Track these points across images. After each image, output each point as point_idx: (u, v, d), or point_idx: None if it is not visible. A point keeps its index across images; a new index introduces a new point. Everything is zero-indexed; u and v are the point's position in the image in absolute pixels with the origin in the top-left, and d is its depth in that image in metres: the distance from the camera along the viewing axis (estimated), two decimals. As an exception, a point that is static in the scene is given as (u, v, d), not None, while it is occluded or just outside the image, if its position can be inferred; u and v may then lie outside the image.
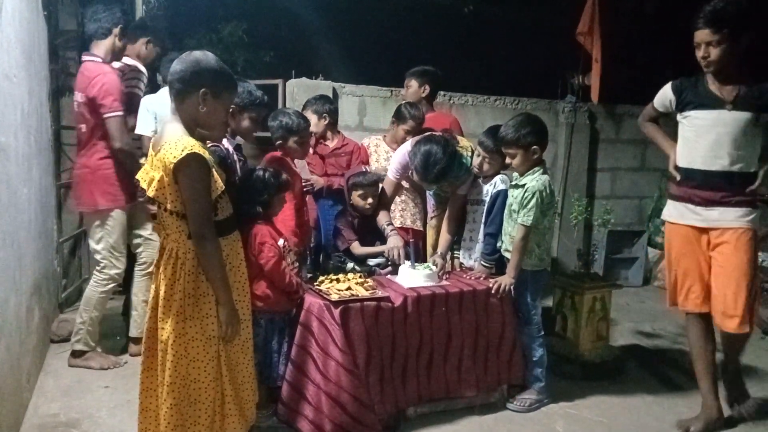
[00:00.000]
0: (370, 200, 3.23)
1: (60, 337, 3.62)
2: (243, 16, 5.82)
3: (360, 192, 3.22)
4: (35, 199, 3.21)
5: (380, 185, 3.33)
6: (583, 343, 3.49)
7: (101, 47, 3.33)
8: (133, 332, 3.45)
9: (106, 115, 3.16)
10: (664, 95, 2.90)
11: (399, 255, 3.13)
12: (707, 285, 2.82)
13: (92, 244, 3.32)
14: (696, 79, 2.78)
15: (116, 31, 3.34)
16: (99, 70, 3.20)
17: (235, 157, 2.72)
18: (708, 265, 2.81)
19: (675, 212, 2.88)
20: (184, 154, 1.89)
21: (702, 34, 2.61)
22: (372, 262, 3.16)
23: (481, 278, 3.05)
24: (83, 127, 3.27)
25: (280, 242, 2.55)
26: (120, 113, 3.18)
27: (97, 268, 3.32)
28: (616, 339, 4.00)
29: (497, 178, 3.15)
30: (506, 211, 3.05)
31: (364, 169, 3.28)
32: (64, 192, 4.31)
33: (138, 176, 2.06)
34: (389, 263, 3.16)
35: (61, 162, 4.26)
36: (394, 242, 3.19)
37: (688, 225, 2.82)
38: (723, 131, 2.68)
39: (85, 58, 3.33)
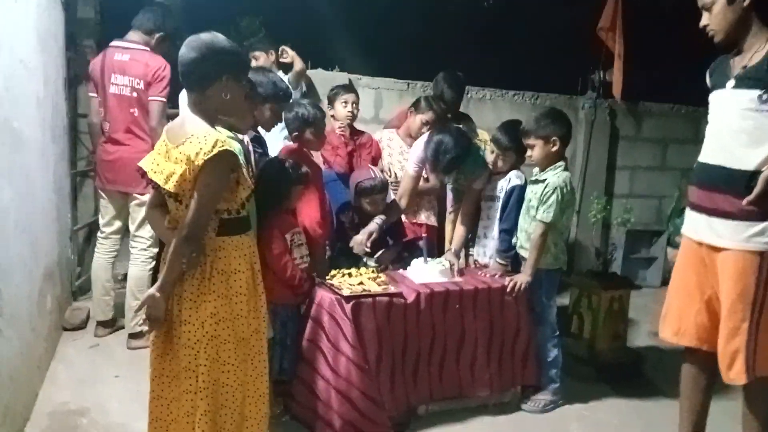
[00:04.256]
0: (380, 205, 3.13)
1: (72, 325, 3.62)
2: (260, 9, 5.79)
3: (369, 199, 3.10)
4: (50, 187, 3.22)
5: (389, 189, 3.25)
6: (600, 344, 3.42)
7: (139, 39, 3.42)
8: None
9: (153, 98, 3.34)
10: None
11: (360, 244, 2.99)
12: (711, 314, 2.28)
13: (137, 226, 3.43)
14: (729, 56, 2.28)
15: (157, 35, 3.46)
16: (160, 61, 3.38)
17: (251, 148, 2.69)
18: (713, 291, 2.26)
19: (685, 219, 2.39)
20: (215, 151, 1.80)
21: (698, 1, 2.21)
22: (371, 262, 3.07)
23: (497, 276, 2.99)
24: (136, 111, 3.38)
25: (288, 235, 2.51)
26: (164, 100, 3.37)
27: (140, 248, 3.45)
28: (633, 340, 3.92)
29: (512, 174, 3.10)
30: (524, 208, 2.98)
31: (372, 174, 3.13)
32: (79, 180, 4.32)
33: (144, 166, 1.97)
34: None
35: (77, 150, 4.27)
36: (361, 232, 3.02)
37: (686, 235, 2.37)
38: (723, 115, 2.22)
39: (128, 45, 3.40)
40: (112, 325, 3.59)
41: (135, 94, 3.35)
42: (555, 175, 2.85)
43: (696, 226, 2.31)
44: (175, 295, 1.94)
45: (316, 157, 3.23)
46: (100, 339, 3.54)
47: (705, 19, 2.23)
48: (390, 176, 3.59)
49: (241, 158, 2.20)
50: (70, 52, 3.95)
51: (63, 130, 3.70)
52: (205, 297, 1.92)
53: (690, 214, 2.36)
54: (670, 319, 2.41)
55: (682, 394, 2.48)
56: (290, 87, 2.91)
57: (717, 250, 2.22)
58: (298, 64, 4.24)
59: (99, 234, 3.60)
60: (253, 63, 4.14)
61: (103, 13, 4.41)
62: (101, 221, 3.59)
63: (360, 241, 2.99)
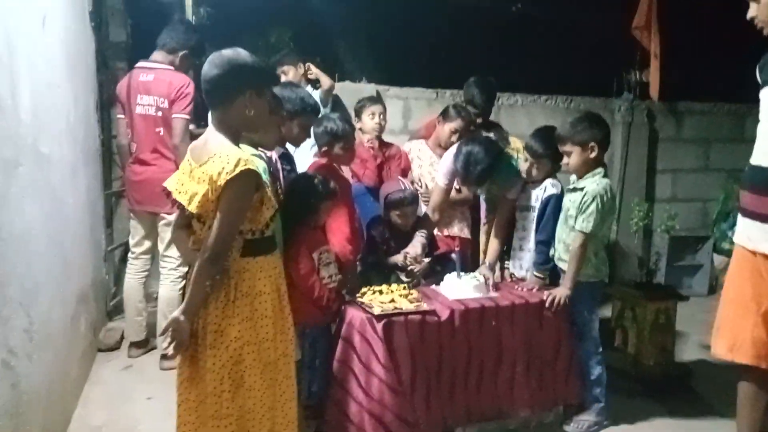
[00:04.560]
0: (410, 218, 3.05)
1: (107, 346, 3.64)
2: (288, 22, 5.81)
3: (399, 212, 3.02)
4: (82, 208, 3.24)
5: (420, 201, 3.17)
6: (646, 358, 3.26)
7: (163, 59, 3.43)
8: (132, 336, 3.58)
9: (176, 115, 3.32)
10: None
11: (414, 258, 2.96)
12: None
13: (166, 246, 3.40)
14: None
15: (181, 54, 3.45)
16: (183, 79, 3.37)
17: (279, 165, 2.65)
18: None
19: (737, 226, 2.26)
20: (238, 170, 1.75)
21: None
22: (402, 277, 3.00)
23: (534, 290, 2.87)
24: (162, 130, 3.38)
25: (315, 254, 2.44)
26: (188, 117, 3.35)
27: (170, 267, 3.42)
28: (681, 353, 3.72)
29: (547, 182, 2.97)
30: (561, 217, 2.86)
31: (401, 186, 3.07)
32: (115, 201, 4.36)
33: (169, 185, 1.94)
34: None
35: (112, 171, 4.31)
36: (411, 246, 3.01)
37: (739, 243, 2.23)
38: None
39: (152, 65, 3.41)
40: (145, 345, 3.59)
41: (160, 114, 3.34)
42: (594, 183, 2.72)
43: (750, 233, 2.16)
44: (200, 319, 1.89)
45: (345, 171, 3.17)
46: (133, 360, 3.54)
47: (753, 11, 2.12)
48: (421, 187, 3.52)
49: (265, 177, 2.15)
50: (103, 75, 4.01)
51: (96, 151, 3.74)
52: (230, 320, 1.87)
53: (743, 221, 2.21)
54: (723, 333, 2.25)
55: (740, 415, 2.31)
56: (319, 103, 2.86)
57: (765, 257, 2.09)
58: (327, 81, 4.22)
59: (130, 254, 3.61)
60: (283, 78, 4.14)
61: (135, 35, 4.46)
62: (131, 241, 3.60)
63: (416, 256, 2.96)
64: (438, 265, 3.16)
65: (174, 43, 3.42)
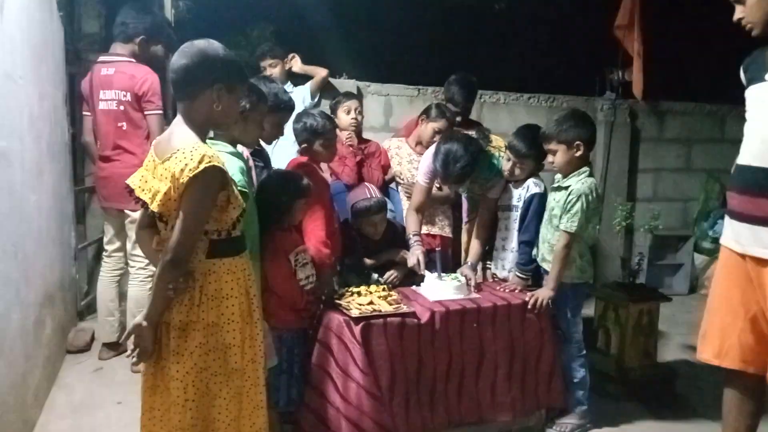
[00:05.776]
0: (380, 227, 2.95)
1: (76, 347, 3.50)
2: (270, 18, 5.71)
3: (365, 220, 2.91)
4: (47, 206, 3.09)
5: (389, 206, 3.10)
6: (629, 360, 3.21)
7: (123, 50, 3.29)
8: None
9: (150, 113, 3.23)
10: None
11: (419, 263, 2.88)
12: (757, 334, 2.08)
13: (134, 244, 3.24)
14: (765, 48, 2.09)
15: (138, 40, 3.30)
16: (145, 70, 3.25)
17: (251, 163, 2.54)
18: (759, 307, 2.06)
19: (725, 228, 2.19)
20: (202, 167, 1.65)
21: None
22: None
23: (517, 291, 2.80)
24: (124, 125, 3.25)
25: (291, 256, 2.34)
26: (161, 112, 3.28)
27: (140, 266, 3.29)
28: (663, 354, 3.69)
29: (530, 181, 2.91)
30: (545, 217, 2.80)
31: (367, 194, 2.95)
32: (88, 197, 4.22)
33: (130, 182, 1.83)
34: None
35: (85, 166, 4.16)
36: (412, 251, 2.95)
37: (726, 246, 2.16)
38: (765, 110, 2.02)
39: (112, 58, 3.28)
40: (117, 347, 3.46)
41: (122, 108, 3.22)
42: (579, 182, 2.66)
43: (738, 236, 2.10)
44: (164, 324, 1.78)
45: (324, 168, 3.07)
46: (104, 362, 3.41)
47: (739, 12, 2.07)
48: (402, 181, 3.48)
49: (242, 177, 2.05)
50: (75, 67, 3.85)
51: (64, 146, 3.58)
52: (194, 325, 1.76)
53: (730, 223, 2.14)
54: (710, 338, 2.19)
55: (726, 421, 2.25)
56: (293, 98, 2.76)
57: (764, 263, 2.02)
58: (322, 71, 4.20)
59: (104, 253, 3.50)
60: (268, 71, 4.03)
61: (109, 26, 4.30)
62: (104, 239, 3.49)
63: (419, 261, 2.89)
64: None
65: (129, 30, 3.28)
